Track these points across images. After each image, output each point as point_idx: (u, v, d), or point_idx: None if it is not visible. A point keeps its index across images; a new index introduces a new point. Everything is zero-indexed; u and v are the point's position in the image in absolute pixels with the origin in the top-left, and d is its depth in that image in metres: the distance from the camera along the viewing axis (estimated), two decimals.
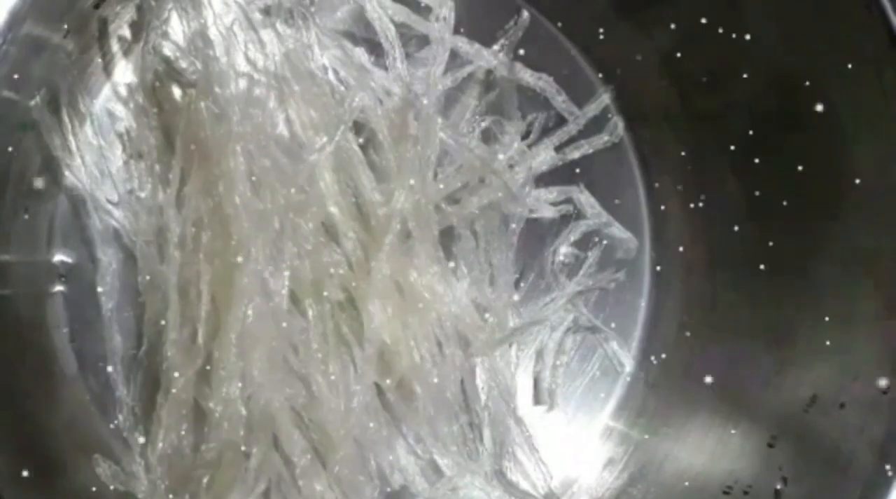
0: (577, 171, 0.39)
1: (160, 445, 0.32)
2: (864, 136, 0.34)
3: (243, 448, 0.32)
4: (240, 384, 0.33)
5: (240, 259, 0.31)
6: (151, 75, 0.33)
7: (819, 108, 0.35)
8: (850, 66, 0.34)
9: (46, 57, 0.32)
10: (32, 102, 0.32)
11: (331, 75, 0.35)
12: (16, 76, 0.30)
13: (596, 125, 0.40)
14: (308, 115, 0.34)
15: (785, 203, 0.37)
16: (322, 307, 0.34)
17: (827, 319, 0.35)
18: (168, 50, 0.33)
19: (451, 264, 0.36)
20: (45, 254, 0.34)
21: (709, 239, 0.39)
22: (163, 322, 0.33)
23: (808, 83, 0.35)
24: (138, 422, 0.34)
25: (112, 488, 0.33)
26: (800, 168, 0.36)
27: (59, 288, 0.34)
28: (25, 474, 0.30)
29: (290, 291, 0.34)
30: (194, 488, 0.32)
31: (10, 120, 0.31)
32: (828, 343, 0.34)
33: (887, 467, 0.32)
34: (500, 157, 0.37)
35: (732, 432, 0.36)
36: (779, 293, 0.36)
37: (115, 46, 0.34)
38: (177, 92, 0.34)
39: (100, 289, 0.34)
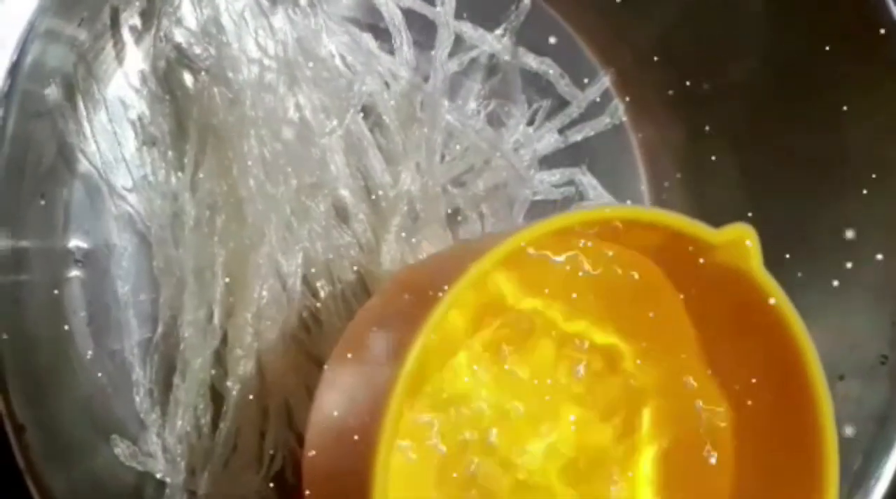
0: (580, 153, 0.40)
1: (179, 423, 0.33)
2: (858, 110, 0.35)
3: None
4: (255, 364, 0.33)
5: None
6: (163, 62, 0.34)
7: (817, 86, 0.36)
8: (846, 42, 0.34)
9: (61, 46, 0.32)
10: (47, 90, 0.32)
11: (338, 61, 0.36)
12: (34, 66, 0.31)
13: (598, 108, 0.40)
14: (318, 99, 0.34)
15: (783, 182, 0.38)
16: (334, 288, 0.35)
17: (825, 291, 0.35)
18: (180, 37, 0.34)
19: None
20: (61, 239, 0.34)
21: (709, 218, 0.40)
22: (178, 305, 0.34)
23: (806, 62, 0.36)
24: (155, 404, 0.34)
25: (130, 467, 0.34)
26: (798, 146, 0.37)
27: (75, 273, 0.34)
28: (44, 456, 0.30)
29: (302, 273, 0.34)
30: (214, 466, 0.33)
31: (28, 109, 0.31)
32: (826, 315, 0.35)
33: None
34: (507, 139, 0.37)
35: None
36: (778, 268, 0.37)
37: (126, 34, 0.35)
38: (188, 79, 0.34)
39: (115, 273, 0.34)
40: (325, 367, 0.30)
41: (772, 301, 0.28)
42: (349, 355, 0.30)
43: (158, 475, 0.33)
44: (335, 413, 0.29)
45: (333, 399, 0.29)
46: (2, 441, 0.28)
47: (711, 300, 0.29)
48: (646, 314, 0.30)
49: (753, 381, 0.30)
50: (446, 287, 0.25)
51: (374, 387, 0.26)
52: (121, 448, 0.33)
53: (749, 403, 0.30)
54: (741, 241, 0.28)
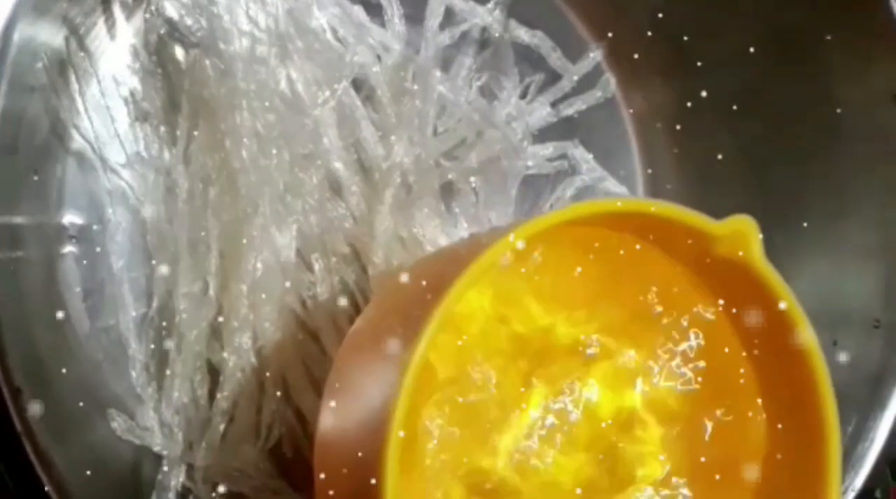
0: (572, 128, 0.40)
1: (175, 394, 0.33)
2: (852, 78, 0.35)
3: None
4: (251, 336, 0.33)
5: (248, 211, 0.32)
6: (155, 37, 0.34)
7: (812, 56, 0.36)
8: (837, 10, 0.35)
9: (50, 21, 0.32)
10: (39, 64, 0.32)
11: (329, 34, 0.36)
12: (24, 41, 0.31)
13: (589, 82, 0.40)
14: (310, 71, 0.34)
15: (777, 152, 0.38)
16: (328, 261, 0.35)
17: (818, 257, 0.36)
18: (171, 10, 0.34)
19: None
20: (55, 215, 0.34)
21: (702, 190, 0.40)
22: (173, 280, 0.34)
23: (798, 34, 0.36)
24: (151, 378, 0.34)
25: (128, 441, 0.34)
26: (792, 116, 0.37)
27: (69, 249, 0.35)
28: (44, 430, 0.30)
29: (297, 246, 0.34)
30: (210, 439, 0.33)
31: (19, 84, 0.31)
32: (818, 282, 0.35)
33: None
34: (499, 111, 0.38)
35: None
36: (771, 237, 0.37)
37: (117, 9, 0.35)
38: (180, 52, 0.34)
39: (110, 249, 0.34)
40: (331, 371, 0.30)
41: (782, 305, 0.28)
42: (356, 355, 0.30)
43: (156, 449, 0.34)
44: (344, 421, 0.29)
45: (341, 408, 0.29)
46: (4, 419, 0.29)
47: (713, 290, 0.29)
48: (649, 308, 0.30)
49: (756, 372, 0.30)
50: (456, 278, 0.25)
51: (383, 386, 0.26)
52: (118, 422, 0.33)
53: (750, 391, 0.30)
54: (742, 233, 0.28)
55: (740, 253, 0.28)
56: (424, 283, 0.28)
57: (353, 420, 0.28)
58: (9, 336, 0.30)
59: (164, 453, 0.33)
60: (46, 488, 0.29)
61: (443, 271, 0.27)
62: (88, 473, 0.31)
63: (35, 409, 0.29)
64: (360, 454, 0.26)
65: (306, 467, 0.34)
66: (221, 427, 0.33)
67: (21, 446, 0.28)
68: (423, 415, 0.28)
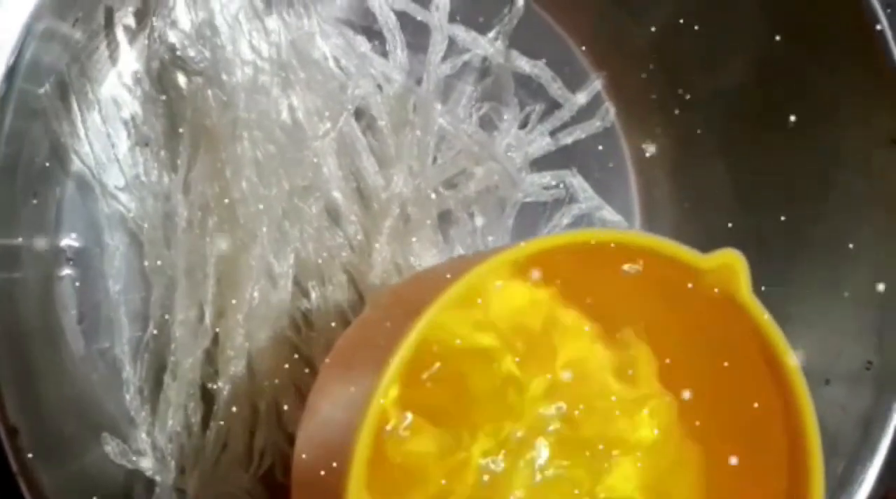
0: (570, 156, 0.40)
1: (169, 422, 0.33)
2: (851, 120, 0.35)
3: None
4: (245, 364, 0.34)
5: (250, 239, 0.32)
6: (157, 63, 0.34)
7: (810, 94, 0.36)
8: (837, 51, 0.35)
9: (55, 46, 0.32)
10: (42, 90, 0.32)
11: (331, 64, 0.36)
12: (30, 66, 0.31)
13: (588, 111, 0.41)
14: (311, 102, 0.34)
15: (773, 188, 0.38)
16: (325, 289, 0.35)
17: (811, 298, 0.36)
18: (174, 38, 0.34)
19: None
20: (53, 238, 0.34)
21: (698, 222, 0.40)
22: (169, 305, 0.34)
23: (796, 70, 0.36)
24: (145, 402, 0.34)
25: (120, 465, 0.34)
26: (788, 153, 0.37)
27: (67, 271, 0.35)
28: (35, 454, 0.30)
29: (294, 274, 0.34)
30: (203, 465, 0.33)
31: (23, 108, 0.31)
32: (812, 322, 0.36)
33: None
34: (499, 142, 0.38)
35: None
36: (765, 275, 0.37)
37: (120, 34, 0.35)
38: (182, 80, 0.34)
39: (107, 272, 0.35)
40: (317, 379, 0.30)
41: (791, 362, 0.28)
42: (337, 369, 0.30)
43: (148, 474, 0.34)
44: (321, 425, 0.29)
45: (320, 411, 0.29)
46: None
47: (699, 323, 0.29)
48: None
49: (740, 403, 0.29)
50: (428, 304, 0.25)
51: (354, 404, 0.26)
52: (111, 446, 0.33)
53: (735, 423, 0.30)
54: (729, 266, 0.27)
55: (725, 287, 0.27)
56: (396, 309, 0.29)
57: (321, 443, 0.28)
58: (3, 362, 0.30)
59: (157, 478, 0.34)
60: None
61: (410, 303, 0.27)
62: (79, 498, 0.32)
63: (28, 439, 0.29)
64: (326, 478, 0.26)
65: None
66: (214, 455, 0.33)
67: (16, 484, 0.28)
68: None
